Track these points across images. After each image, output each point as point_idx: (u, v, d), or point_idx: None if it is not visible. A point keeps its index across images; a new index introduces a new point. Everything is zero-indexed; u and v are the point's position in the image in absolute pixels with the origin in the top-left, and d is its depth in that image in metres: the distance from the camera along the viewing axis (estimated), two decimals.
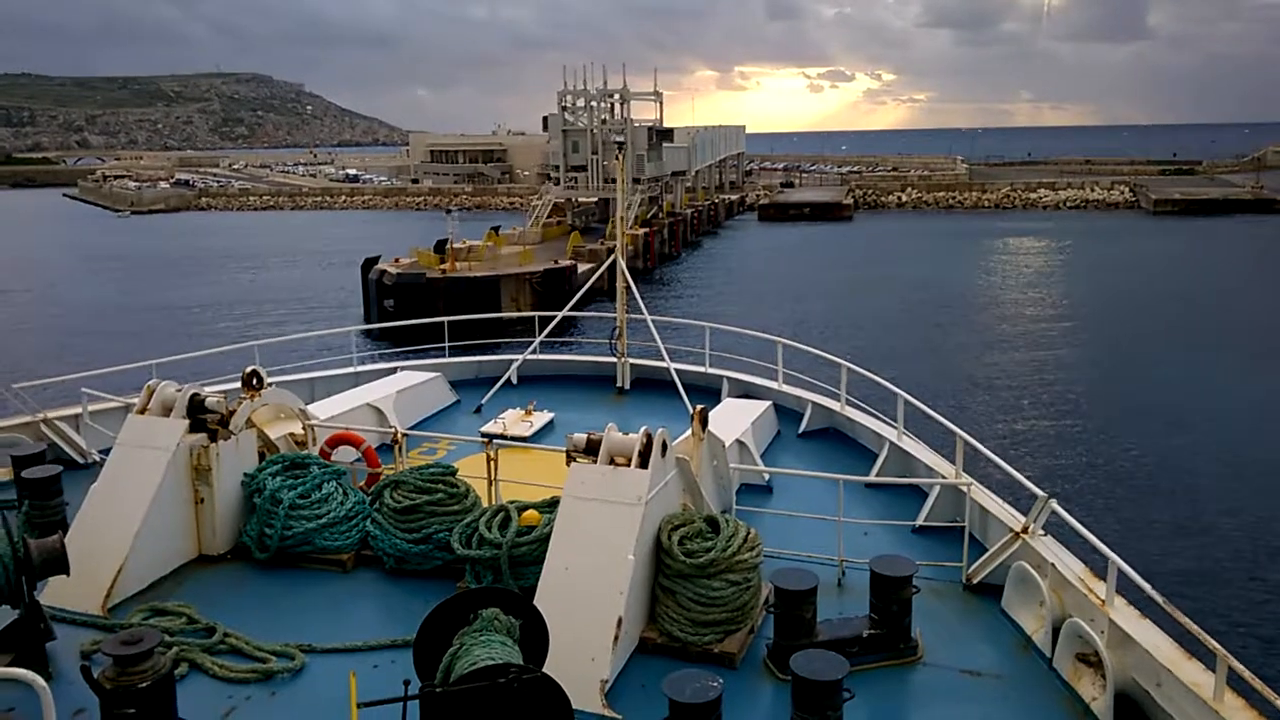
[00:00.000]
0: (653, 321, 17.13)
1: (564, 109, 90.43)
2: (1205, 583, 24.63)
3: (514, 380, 17.85)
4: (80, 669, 6.82)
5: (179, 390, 10.93)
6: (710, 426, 11.03)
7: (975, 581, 10.16)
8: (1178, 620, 7.53)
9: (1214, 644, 7.12)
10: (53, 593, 9.33)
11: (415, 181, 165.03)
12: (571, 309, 18.81)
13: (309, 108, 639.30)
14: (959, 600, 10.00)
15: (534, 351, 18.38)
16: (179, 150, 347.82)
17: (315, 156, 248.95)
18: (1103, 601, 8.43)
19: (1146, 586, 7.94)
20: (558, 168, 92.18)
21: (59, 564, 8.48)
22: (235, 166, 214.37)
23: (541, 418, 15.80)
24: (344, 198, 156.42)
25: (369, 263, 65.06)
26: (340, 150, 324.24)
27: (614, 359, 18.15)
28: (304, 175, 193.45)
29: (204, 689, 8.33)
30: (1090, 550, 8.73)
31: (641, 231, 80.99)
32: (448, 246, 66.13)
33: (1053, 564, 9.19)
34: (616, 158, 20.09)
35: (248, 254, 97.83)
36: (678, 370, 16.87)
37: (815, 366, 16.74)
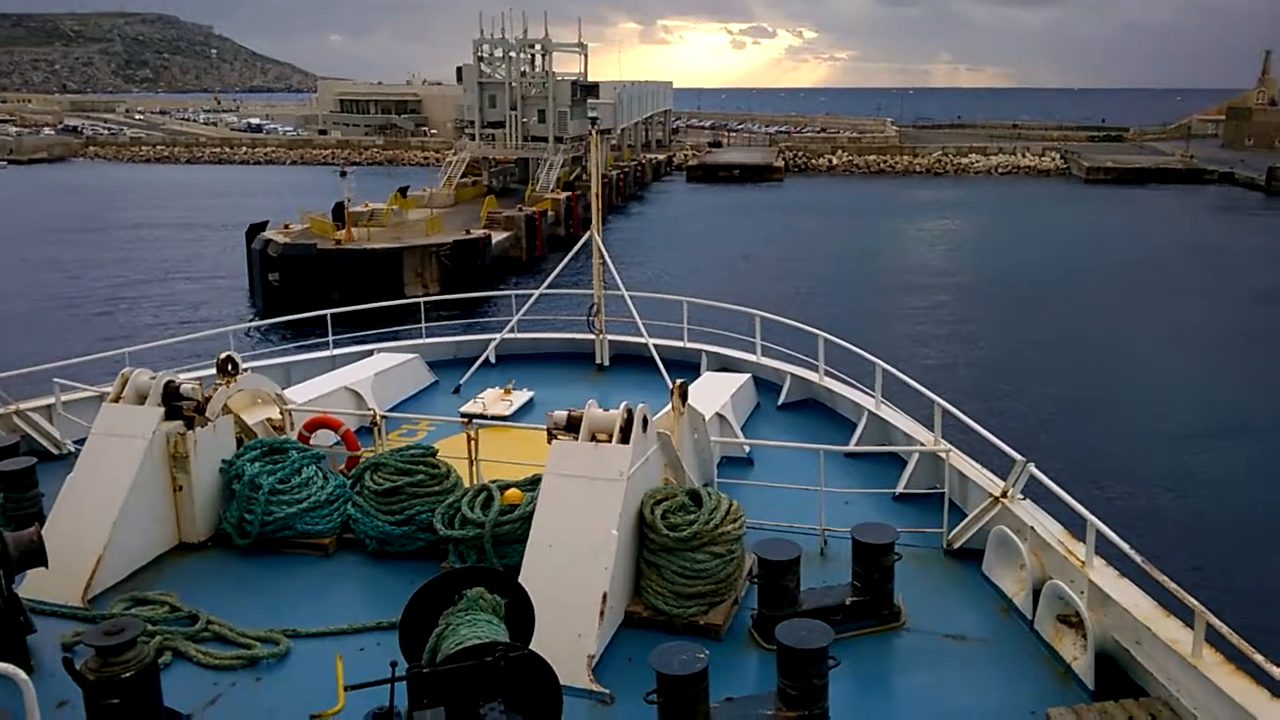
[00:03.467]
0: (630, 297, 17.09)
1: (480, 59, 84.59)
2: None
3: (492, 359, 17.75)
4: (62, 661, 6.77)
5: (153, 378, 10.80)
6: (690, 400, 11.08)
7: (956, 547, 10.26)
8: (1156, 579, 7.62)
9: (1192, 601, 7.22)
10: (32, 585, 9.22)
11: (323, 133, 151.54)
12: (548, 287, 18.71)
13: (215, 51, 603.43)
14: (940, 566, 10.10)
15: (512, 330, 18.30)
16: (78, 94, 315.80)
17: (219, 103, 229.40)
18: (1082, 563, 8.53)
19: (1125, 546, 8.02)
20: (473, 123, 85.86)
21: (37, 556, 8.40)
22: (135, 114, 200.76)
23: (521, 396, 15.76)
24: (245, 149, 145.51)
25: (254, 229, 56.90)
26: (250, 97, 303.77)
27: (592, 336, 18.10)
28: (205, 124, 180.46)
29: (189, 677, 8.29)
30: (1069, 512, 8.81)
31: (564, 195, 74.73)
32: (345, 211, 57.48)
33: (1032, 527, 9.29)
34: (591, 131, 19.68)
35: (125, 215, 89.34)
36: (656, 345, 16.80)
37: (793, 338, 16.73)
